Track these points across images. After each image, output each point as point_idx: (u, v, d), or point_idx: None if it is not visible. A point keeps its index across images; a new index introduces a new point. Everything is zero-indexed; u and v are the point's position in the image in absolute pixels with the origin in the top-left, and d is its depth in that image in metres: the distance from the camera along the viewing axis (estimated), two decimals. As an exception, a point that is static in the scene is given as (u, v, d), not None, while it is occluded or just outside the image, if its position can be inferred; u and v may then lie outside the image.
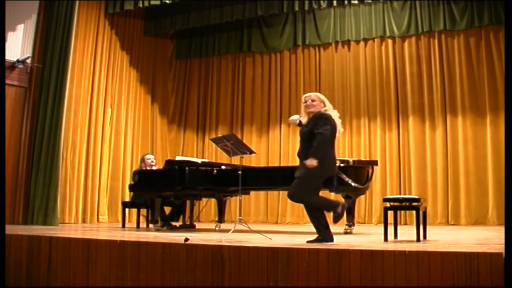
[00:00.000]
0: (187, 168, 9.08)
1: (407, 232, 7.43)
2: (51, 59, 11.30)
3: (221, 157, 10.76)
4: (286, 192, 12.37)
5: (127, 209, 10.81)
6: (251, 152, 8.47)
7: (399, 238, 6.72)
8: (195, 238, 6.77)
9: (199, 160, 10.11)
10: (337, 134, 6.55)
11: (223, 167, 9.44)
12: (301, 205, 12.57)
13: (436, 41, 12.28)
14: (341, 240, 6.68)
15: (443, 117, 11.97)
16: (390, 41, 12.69)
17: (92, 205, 12.04)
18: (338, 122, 6.55)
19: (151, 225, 9.76)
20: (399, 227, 7.03)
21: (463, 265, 4.65)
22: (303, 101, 6.64)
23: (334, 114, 6.53)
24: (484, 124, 11.58)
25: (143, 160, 10.56)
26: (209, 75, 14.54)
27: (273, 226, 11.39)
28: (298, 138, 13.04)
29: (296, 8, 12.18)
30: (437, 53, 12.22)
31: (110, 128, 12.72)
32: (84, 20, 12.01)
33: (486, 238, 7.01)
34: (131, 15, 13.41)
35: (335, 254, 5.18)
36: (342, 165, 8.37)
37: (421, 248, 5.33)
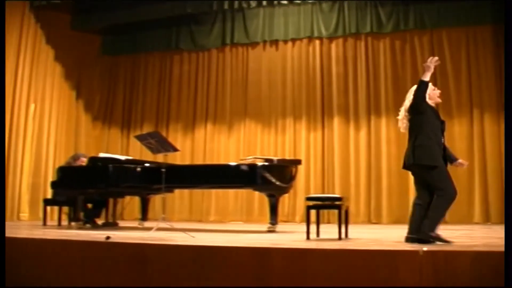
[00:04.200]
0: (110, 165, 8.93)
1: (329, 230, 7.51)
2: (-29, 51, 10.97)
3: (147, 155, 10.65)
4: (212, 190, 12.45)
5: (48, 207, 10.57)
6: (175, 149, 8.42)
7: (321, 236, 6.79)
8: (117, 236, 6.67)
9: (123, 158, 9.96)
10: None
11: (147, 164, 9.34)
12: (225, 203, 12.66)
13: (362, 43, 12.54)
14: (264, 239, 6.71)
15: (367, 118, 12.23)
16: (317, 42, 12.86)
17: (12, 202, 11.74)
18: None
19: (73, 223, 9.57)
20: (322, 225, 7.11)
21: (383, 262, 4.72)
22: (434, 88, 6.22)
23: None
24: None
25: (77, 159, 10.23)
26: (136, 72, 14.42)
27: (197, 224, 11.35)
28: (223, 137, 13.11)
29: (226, 7, 12.20)
30: (363, 54, 12.49)
31: (32, 124, 12.43)
32: (8, 12, 11.64)
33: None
34: (58, 9, 13.06)
35: (258, 253, 5.18)
36: (266, 163, 8.40)
37: (342, 246, 5.40)
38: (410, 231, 5.85)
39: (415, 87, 6.06)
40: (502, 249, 4.84)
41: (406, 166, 6.09)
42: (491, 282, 4.40)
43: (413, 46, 12.22)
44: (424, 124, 5.90)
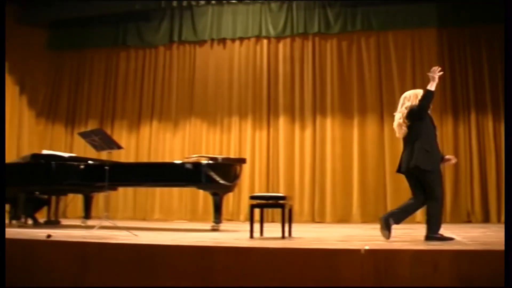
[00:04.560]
0: (53, 162, 8.79)
1: (273, 229, 7.54)
2: None
3: (90, 152, 10.51)
4: (156, 189, 12.35)
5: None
6: (118, 147, 8.36)
7: (264, 235, 6.82)
8: (59, 234, 6.58)
9: (67, 155, 9.81)
10: None
11: (90, 162, 9.21)
12: (169, 202, 12.55)
13: (310, 43, 12.64)
14: (207, 237, 6.70)
15: (312, 117, 12.32)
16: (265, 41, 12.90)
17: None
18: None
19: (13, 221, 9.38)
20: (266, 224, 7.15)
21: (325, 261, 4.76)
22: None
23: None
24: (351, 125, 12.02)
25: None
26: (82, 68, 14.17)
27: (141, 222, 11.24)
28: (168, 135, 13.00)
29: (174, 4, 12.15)
30: (310, 55, 12.59)
31: (-28, 119, 12.12)
32: None
33: (349, 235, 7.22)
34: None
35: (201, 251, 5.16)
36: (210, 162, 8.38)
37: (285, 245, 5.42)
38: (388, 213, 6.25)
39: (407, 93, 6.35)
40: (440, 247, 4.93)
41: (403, 170, 6.22)
42: (430, 280, 4.47)
43: (359, 47, 12.39)
44: (423, 129, 6.12)
